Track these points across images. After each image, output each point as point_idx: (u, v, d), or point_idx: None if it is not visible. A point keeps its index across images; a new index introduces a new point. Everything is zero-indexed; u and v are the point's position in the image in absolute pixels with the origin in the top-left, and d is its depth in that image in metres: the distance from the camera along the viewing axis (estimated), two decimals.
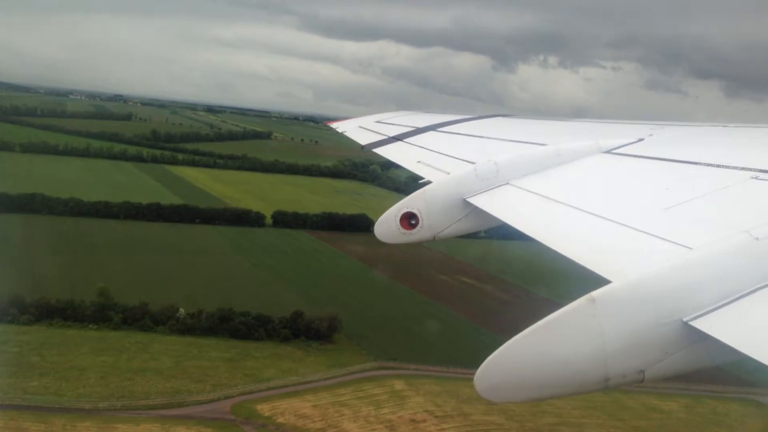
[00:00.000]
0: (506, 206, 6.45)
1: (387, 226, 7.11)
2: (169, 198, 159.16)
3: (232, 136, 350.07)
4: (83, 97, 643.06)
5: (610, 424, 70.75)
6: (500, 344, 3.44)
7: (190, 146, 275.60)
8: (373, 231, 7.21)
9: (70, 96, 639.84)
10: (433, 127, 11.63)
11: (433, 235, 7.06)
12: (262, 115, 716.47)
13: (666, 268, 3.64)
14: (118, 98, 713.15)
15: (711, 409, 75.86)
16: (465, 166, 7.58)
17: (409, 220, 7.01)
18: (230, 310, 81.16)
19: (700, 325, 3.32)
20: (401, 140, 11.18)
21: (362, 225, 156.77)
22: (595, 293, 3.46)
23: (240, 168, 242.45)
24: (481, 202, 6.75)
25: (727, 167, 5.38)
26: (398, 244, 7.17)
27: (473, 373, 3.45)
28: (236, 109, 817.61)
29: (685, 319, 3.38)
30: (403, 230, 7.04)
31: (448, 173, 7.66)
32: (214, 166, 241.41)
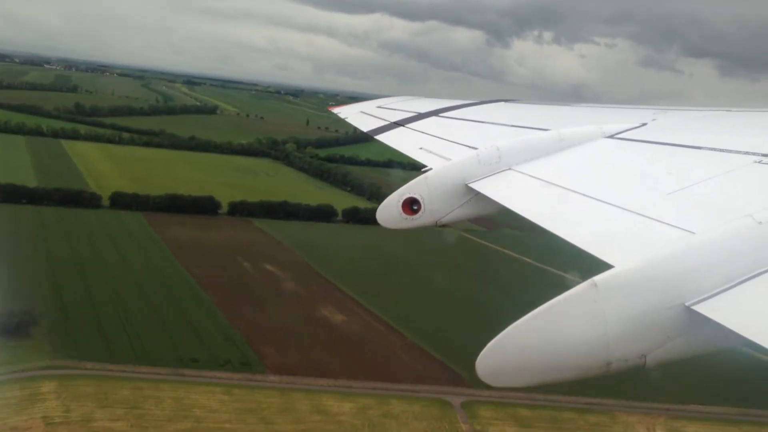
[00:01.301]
0: (508, 191, 6.46)
1: (389, 211, 7.12)
2: (27, 177, 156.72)
3: (170, 110, 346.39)
4: (58, 67, 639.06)
5: (251, 429, 68.07)
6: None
7: (109, 120, 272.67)
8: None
9: (45, 65, 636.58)
10: (435, 113, 11.67)
11: (435, 220, 7.10)
12: (245, 88, 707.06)
13: (669, 253, 3.65)
14: (100, 68, 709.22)
15: (384, 412, 72.52)
16: (467, 151, 7.56)
17: (411, 205, 7.06)
18: None
19: (703, 309, 3.33)
20: (403, 126, 11.22)
21: (207, 208, 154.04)
22: (597, 278, 3.48)
23: (147, 145, 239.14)
24: (483, 187, 6.77)
25: (731, 151, 5.37)
26: (401, 229, 7.20)
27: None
28: (217, 80, 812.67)
29: (687, 304, 3.39)
30: (405, 216, 7.08)
31: (450, 159, 7.68)
32: (119, 142, 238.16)
